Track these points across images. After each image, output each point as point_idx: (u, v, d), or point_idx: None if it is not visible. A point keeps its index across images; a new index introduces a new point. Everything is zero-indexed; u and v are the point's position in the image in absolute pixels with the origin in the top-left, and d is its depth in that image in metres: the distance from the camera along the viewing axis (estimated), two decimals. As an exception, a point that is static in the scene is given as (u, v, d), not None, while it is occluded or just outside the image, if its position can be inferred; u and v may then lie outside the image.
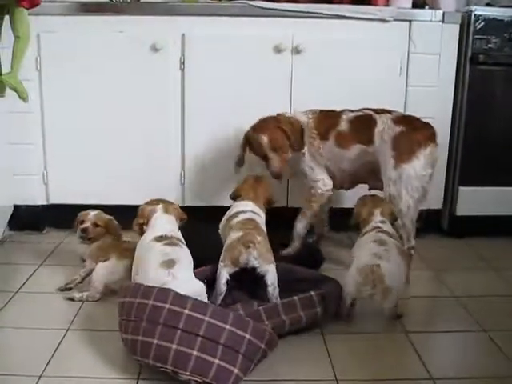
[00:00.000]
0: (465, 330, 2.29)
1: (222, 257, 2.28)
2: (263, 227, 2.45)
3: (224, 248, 2.32)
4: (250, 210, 2.49)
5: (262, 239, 2.29)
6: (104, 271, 2.45)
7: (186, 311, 1.83)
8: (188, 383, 1.81)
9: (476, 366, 2.05)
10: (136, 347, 1.88)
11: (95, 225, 2.61)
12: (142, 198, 3.08)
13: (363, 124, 2.74)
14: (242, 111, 3.05)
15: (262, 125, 2.77)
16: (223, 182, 3.13)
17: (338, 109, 2.84)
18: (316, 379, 1.93)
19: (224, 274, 2.23)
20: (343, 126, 2.77)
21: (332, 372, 1.96)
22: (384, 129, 2.69)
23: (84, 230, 2.59)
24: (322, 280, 2.41)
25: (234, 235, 2.30)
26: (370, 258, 2.22)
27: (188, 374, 1.79)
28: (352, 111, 2.80)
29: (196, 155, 3.16)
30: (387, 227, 2.44)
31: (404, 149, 2.62)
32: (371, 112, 2.77)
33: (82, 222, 2.61)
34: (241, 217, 2.42)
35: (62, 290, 2.51)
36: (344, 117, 2.79)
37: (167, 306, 1.85)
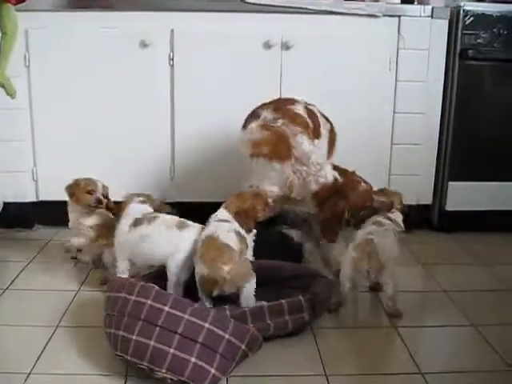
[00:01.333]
0: (454, 325, 2.30)
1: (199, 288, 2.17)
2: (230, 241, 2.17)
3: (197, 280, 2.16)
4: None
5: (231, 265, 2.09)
6: None
7: (167, 308, 1.82)
8: (164, 381, 1.79)
9: (465, 360, 2.05)
10: (117, 342, 1.87)
11: (104, 197, 2.60)
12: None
13: None
14: (232, 107, 3.05)
15: None
16: (213, 177, 3.13)
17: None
18: (305, 374, 1.93)
19: (207, 304, 2.15)
20: None
21: (321, 367, 1.96)
22: None
23: (100, 201, 2.56)
24: (312, 277, 2.37)
25: (200, 269, 2.12)
26: (365, 235, 2.29)
27: (164, 371, 1.77)
28: None
29: (185, 151, 3.16)
30: (392, 214, 2.48)
31: None
32: None
33: (91, 191, 2.56)
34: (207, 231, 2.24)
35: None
36: None
37: (149, 302, 1.84)
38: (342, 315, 2.30)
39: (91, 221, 2.59)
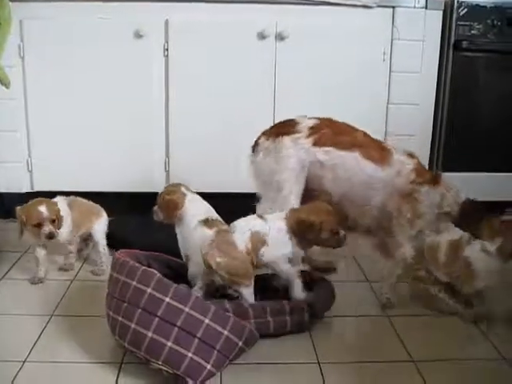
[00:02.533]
0: (447, 316, 2.30)
1: None
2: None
3: None
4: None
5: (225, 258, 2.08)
6: None
7: (167, 299, 1.80)
8: (160, 372, 1.80)
9: (457, 348, 2.08)
10: (116, 327, 1.88)
11: (52, 221, 2.41)
12: (126, 185, 3.12)
13: None
14: (226, 97, 3.07)
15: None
16: (208, 168, 3.13)
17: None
18: (298, 362, 1.95)
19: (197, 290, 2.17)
20: None
21: (314, 355, 1.98)
22: None
23: (52, 235, 2.40)
24: (314, 280, 2.34)
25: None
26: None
27: (160, 363, 1.77)
28: None
29: (180, 142, 3.16)
30: None
31: None
32: None
33: (39, 224, 2.38)
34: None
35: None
36: None
37: (149, 290, 1.82)
38: (335, 305, 2.29)
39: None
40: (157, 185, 3.10)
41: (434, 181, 2.36)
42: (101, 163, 3.13)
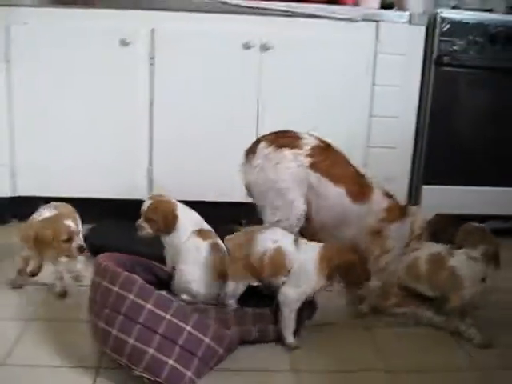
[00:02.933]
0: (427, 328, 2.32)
1: None
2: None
3: None
4: None
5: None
6: None
7: (149, 306, 1.80)
8: (141, 379, 1.80)
9: (431, 358, 2.10)
10: (97, 333, 1.88)
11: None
12: (109, 192, 3.12)
13: None
14: (211, 107, 3.10)
15: None
16: (191, 176, 3.15)
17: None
18: (274, 369, 1.97)
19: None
20: None
21: (288, 363, 2.00)
22: None
23: (82, 249, 2.31)
24: None
25: None
26: None
27: (141, 370, 1.77)
28: None
29: (164, 150, 3.17)
30: None
31: None
32: None
33: (69, 239, 2.27)
34: None
35: None
36: None
37: (131, 296, 1.82)
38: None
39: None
40: (140, 192, 3.13)
41: (403, 214, 2.46)
42: (84, 169, 3.13)
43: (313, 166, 2.41)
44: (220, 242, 2.32)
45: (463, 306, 2.23)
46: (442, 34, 3.17)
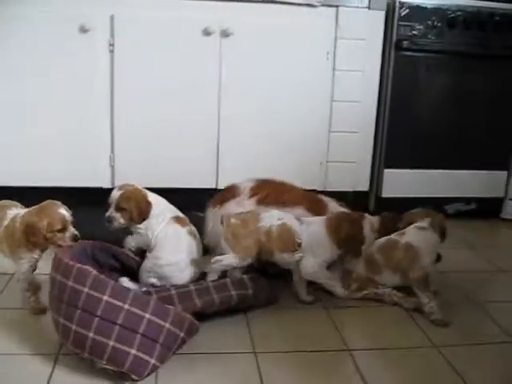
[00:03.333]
0: (380, 305, 2.38)
1: None
2: None
3: None
4: None
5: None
6: None
7: (105, 297, 1.78)
8: (105, 371, 1.80)
9: (391, 337, 2.14)
10: (58, 328, 1.87)
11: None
12: (71, 181, 3.10)
13: None
14: (172, 92, 3.09)
15: None
16: (154, 163, 3.15)
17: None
18: (236, 352, 1.98)
19: None
20: None
21: (251, 345, 2.02)
22: None
23: (77, 238, 2.17)
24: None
25: None
26: None
27: (104, 362, 1.77)
28: None
29: (126, 137, 3.15)
30: None
31: None
32: None
33: (63, 228, 2.13)
34: None
35: None
36: None
37: (86, 289, 1.79)
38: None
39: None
40: (102, 179, 3.12)
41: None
42: (45, 159, 3.10)
43: (261, 202, 2.52)
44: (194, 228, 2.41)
45: (426, 276, 2.28)
46: (401, 18, 3.20)
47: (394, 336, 2.15)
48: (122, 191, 2.36)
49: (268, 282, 2.34)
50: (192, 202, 2.91)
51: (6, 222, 2.17)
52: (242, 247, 2.26)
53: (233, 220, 2.30)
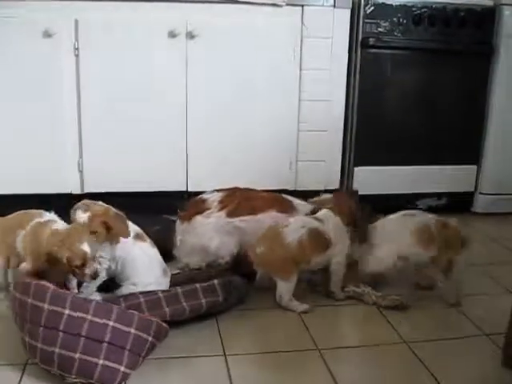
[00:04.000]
0: (353, 304, 2.39)
1: None
2: None
3: None
4: None
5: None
6: None
7: (67, 311, 1.76)
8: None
9: (360, 334, 2.17)
10: (25, 346, 1.84)
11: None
12: (38, 187, 3.07)
13: None
14: (139, 96, 3.07)
15: None
16: (122, 167, 3.13)
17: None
18: (205, 355, 1.98)
19: None
20: None
21: (221, 348, 2.01)
22: None
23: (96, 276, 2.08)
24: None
25: None
26: None
27: (74, 376, 1.75)
28: None
29: (94, 142, 3.12)
30: None
31: None
32: None
33: (82, 265, 2.01)
34: None
35: None
36: None
37: (46, 306, 1.77)
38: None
39: None
40: (70, 185, 3.09)
41: None
42: (11, 165, 3.06)
43: (231, 214, 2.51)
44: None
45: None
46: (367, 16, 3.22)
47: (364, 334, 2.17)
48: (88, 214, 2.14)
49: (242, 280, 2.34)
50: (163, 205, 2.92)
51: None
52: (282, 271, 2.26)
53: (258, 250, 2.28)
